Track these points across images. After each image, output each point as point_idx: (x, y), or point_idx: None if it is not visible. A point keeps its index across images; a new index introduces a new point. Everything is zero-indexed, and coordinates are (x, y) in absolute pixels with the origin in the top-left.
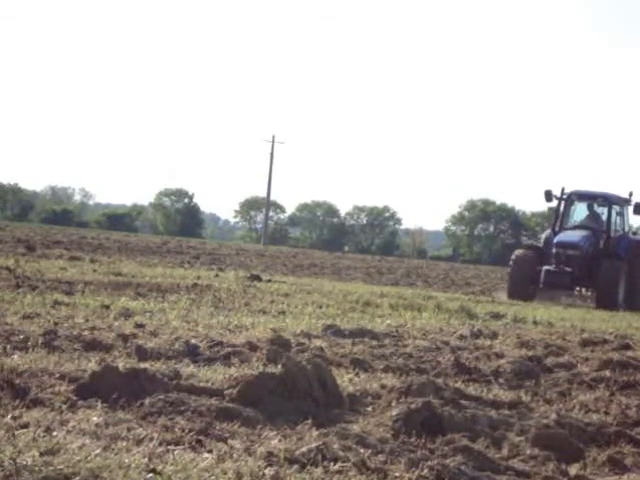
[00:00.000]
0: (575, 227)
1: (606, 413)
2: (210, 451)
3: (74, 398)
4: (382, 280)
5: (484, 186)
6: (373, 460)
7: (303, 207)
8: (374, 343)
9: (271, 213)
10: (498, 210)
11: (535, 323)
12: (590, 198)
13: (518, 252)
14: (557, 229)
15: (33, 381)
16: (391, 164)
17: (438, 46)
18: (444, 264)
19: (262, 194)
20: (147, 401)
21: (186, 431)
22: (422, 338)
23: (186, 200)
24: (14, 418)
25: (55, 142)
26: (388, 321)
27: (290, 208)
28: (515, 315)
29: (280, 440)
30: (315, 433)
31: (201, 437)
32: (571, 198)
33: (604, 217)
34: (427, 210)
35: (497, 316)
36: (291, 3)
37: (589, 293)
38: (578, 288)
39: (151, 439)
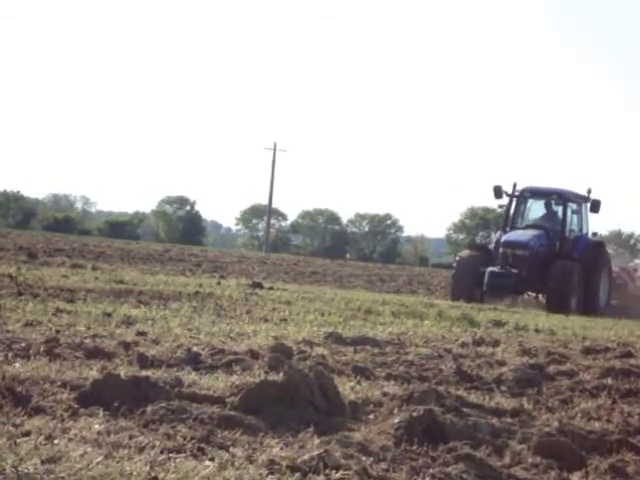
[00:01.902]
0: (528, 227)
1: (608, 421)
2: (212, 459)
3: (76, 406)
4: (384, 288)
5: (485, 194)
6: (375, 468)
7: (305, 215)
8: (376, 351)
9: (273, 221)
10: (499, 217)
11: (537, 331)
12: (544, 195)
13: (463, 253)
14: (508, 229)
15: (35, 389)
16: (393, 172)
17: (441, 52)
18: (446, 272)
19: (264, 201)
20: (149, 409)
21: (188, 439)
22: (424, 346)
23: (188, 208)
24: (15, 426)
25: (57, 150)
26: (390, 329)
27: (292, 216)
28: (517, 323)
29: (282, 448)
30: (317, 441)
31: (203, 445)
32: (523, 195)
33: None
34: (429, 218)
35: (499, 324)
36: (292, 6)
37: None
38: (533, 294)
39: (153, 447)
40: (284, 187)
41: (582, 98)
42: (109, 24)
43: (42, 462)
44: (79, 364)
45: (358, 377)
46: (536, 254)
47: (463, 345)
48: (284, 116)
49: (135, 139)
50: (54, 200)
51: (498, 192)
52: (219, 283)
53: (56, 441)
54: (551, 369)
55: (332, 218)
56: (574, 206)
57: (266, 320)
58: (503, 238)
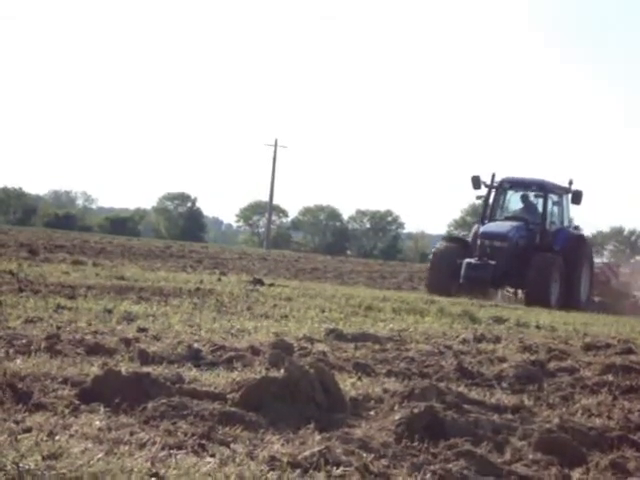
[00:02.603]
0: (507, 218)
1: (609, 417)
2: (213, 455)
3: (77, 402)
4: (384, 284)
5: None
6: (376, 464)
7: (306, 211)
8: (377, 347)
9: (274, 217)
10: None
11: (538, 327)
12: (523, 186)
13: (440, 244)
14: (486, 220)
15: (36, 385)
16: (393, 168)
17: (442, 49)
18: None
19: (265, 198)
20: (150, 405)
21: (189, 435)
22: (425, 342)
23: (189, 204)
24: (17, 422)
25: (58, 146)
26: (391, 325)
27: (293, 212)
28: (518, 319)
29: (283, 444)
30: (318, 437)
31: (204, 441)
32: (503, 186)
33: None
34: (429, 214)
35: (500, 320)
36: (293, 6)
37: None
38: (512, 290)
39: (154, 443)
40: (285, 183)
41: (581, 98)
42: (110, 22)
43: (43, 458)
44: (80, 360)
45: (359, 373)
46: (515, 246)
47: (464, 342)
48: (285, 113)
49: (136, 136)
50: (55, 196)
51: (476, 183)
52: (220, 279)
53: (57, 437)
54: (552, 365)
55: (333, 215)
56: (555, 197)
57: (267, 316)
58: (481, 229)
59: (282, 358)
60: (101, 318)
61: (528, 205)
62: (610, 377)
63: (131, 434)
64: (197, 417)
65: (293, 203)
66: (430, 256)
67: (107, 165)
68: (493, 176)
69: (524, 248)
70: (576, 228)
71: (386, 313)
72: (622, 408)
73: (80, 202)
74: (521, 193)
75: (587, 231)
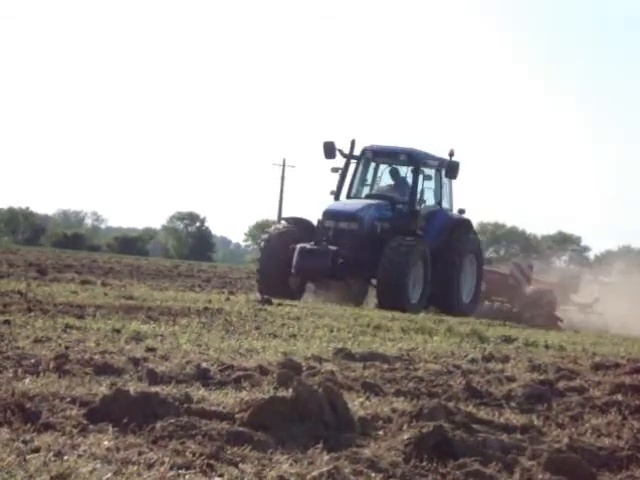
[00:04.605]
0: (370, 196)
1: (618, 437)
2: (221, 475)
3: (85, 422)
4: None
5: (494, 207)
6: None
7: None
8: (385, 367)
9: None
10: (508, 233)
11: (547, 347)
12: (389, 156)
13: (274, 227)
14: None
15: (44, 405)
16: None
17: (443, 53)
18: None
19: (273, 217)
20: (158, 425)
21: (197, 455)
22: (433, 362)
23: (198, 224)
24: (25, 442)
25: (66, 165)
26: (399, 345)
27: None
28: (527, 339)
29: (291, 464)
30: (326, 457)
31: (212, 461)
32: (365, 155)
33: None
34: None
35: (508, 340)
36: (300, 18)
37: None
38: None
39: (162, 463)
40: (293, 203)
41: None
42: (118, 39)
43: (52, 478)
44: (88, 380)
45: (367, 393)
46: (370, 229)
47: (472, 361)
48: (293, 132)
49: (145, 155)
50: (64, 216)
51: (330, 151)
52: (228, 299)
53: (65, 457)
54: (561, 385)
55: None
56: (428, 171)
57: (275, 336)
58: (326, 208)
59: (290, 378)
60: (109, 338)
61: (398, 181)
62: (619, 397)
63: (139, 454)
64: (205, 437)
65: None
66: (262, 243)
67: (116, 185)
68: (352, 143)
69: (385, 233)
70: (461, 211)
71: (394, 332)
72: (631, 428)
73: (89, 222)
74: (390, 166)
75: (596, 250)
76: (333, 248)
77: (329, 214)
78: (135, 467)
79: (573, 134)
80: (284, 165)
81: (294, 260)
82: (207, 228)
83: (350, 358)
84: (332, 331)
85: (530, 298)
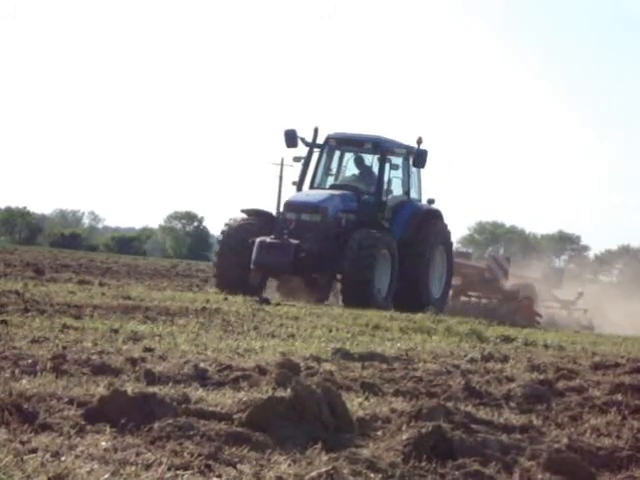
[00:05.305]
0: (335, 187)
1: (618, 437)
2: (219, 476)
3: (82, 422)
4: None
5: (493, 206)
6: None
7: None
8: (384, 367)
9: None
10: (508, 232)
11: (546, 346)
12: (354, 144)
13: (232, 220)
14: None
15: (41, 405)
16: None
17: (444, 54)
18: None
19: None
20: (156, 425)
21: (195, 456)
22: (432, 362)
23: (195, 223)
24: (22, 443)
25: (64, 165)
26: (398, 344)
27: None
28: (526, 338)
29: (289, 465)
30: (325, 457)
31: (210, 462)
32: (329, 144)
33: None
34: None
35: (508, 339)
36: (303, 21)
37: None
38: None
39: (160, 464)
40: None
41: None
42: (118, 40)
43: (49, 479)
44: (86, 380)
45: (366, 393)
46: (334, 221)
47: (472, 361)
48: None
49: (142, 155)
50: (61, 216)
51: (291, 139)
52: (226, 299)
53: (63, 458)
54: (560, 385)
55: None
56: (396, 160)
57: (273, 336)
58: (287, 199)
59: (289, 378)
60: (107, 338)
61: (364, 170)
62: (619, 396)
63: (137, 455)
64: (203, 437)
65: None
66: (220, 237)
67: (113, 184)
68: (316, 131)
69: (350, 225)
70: (430, 201)
71: (393, 332)
72: (631, 428)
73: (86, 221)
74: (355, 155)
75: (596, 249)
76: (295, 242)
77: (291, 206)
78: (133, 468)
79: (573, 133)
80: (282, 164)
81: (253, 254)
82: (205, 227)
83: (349, 358)
84: (331, 331)
85: (507, 293)
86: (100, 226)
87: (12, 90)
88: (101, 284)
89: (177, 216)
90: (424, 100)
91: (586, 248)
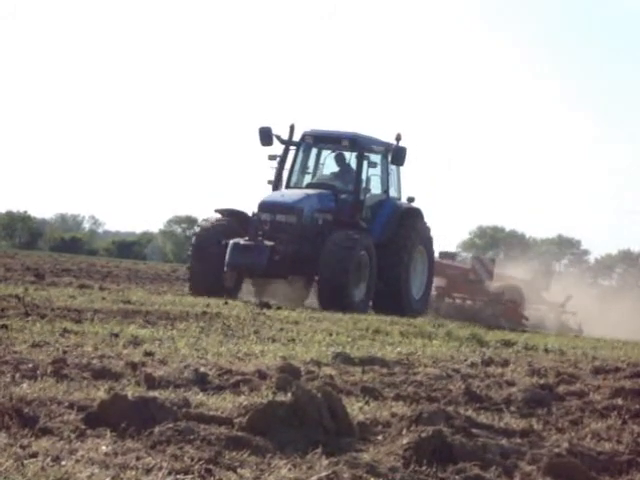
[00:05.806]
0: (311, 185)
1: (618, 442)
2: None
3: (83, 427)
4: None
5: (493, 211)
6: None
7: None
8: (384, 371)
9: None
10: (508, 237)
11: (546, 351)
12: (331, 141)
13: (205, 221)
14: (283, 189)
15: (42, 410)
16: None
17: (445, 56)
18: None
19: None
20: (156, 430)
21: (195, 460)
22: (433, 366)
23: (196, 228)
24: (23, 447)
25: (64, 169)
26: (398, 349)
27: None
28: (526, 343)
29: (290, 469)
30: (325, 462)
31: (210, 466)
32: (305, 141)
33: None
34: (438, 236)
35: (508, 344)
36: (304, 24)
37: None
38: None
39: (160, 468)
40: None
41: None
42: (117, 42)
43: None
44: (86, 385)
45: (366, 397)
46: (310, 222)
47: (472, 365)
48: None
49: (143, 159)
50: (61, 220)
51: (266, 137)
52: (226, 303)
53: (63, 462)
54: (561, 389)
55: None
56: (374, 157)
57: (274, 340)
58: (261, 199)
59: (289, 382)
60: (107, 342)
61: (342, 168)
62: (619, 401)
63: (137, 459)
64: (204, 442)
65: None
66: (193, 238)
67: (114, 189)
68: (292, 128)
69: (327, 225)
70: (410, 200)
71: (394, 336)
72: (632, 432)
73: (87, 226)
74: (335, 153)
75: (596, 253)
76: (270, 243)
77: (265, 206)
78: (133, 472)
79: (573, 137)
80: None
81: (227, 256)
82: None
83: (349, 362)
84: (331, 335)
85: (492, 295)
86: (100, 230)
87: (12, 93)
88: (101, 288)
89: (177, 220)
90: (424, 102)
91: (586, 252)
